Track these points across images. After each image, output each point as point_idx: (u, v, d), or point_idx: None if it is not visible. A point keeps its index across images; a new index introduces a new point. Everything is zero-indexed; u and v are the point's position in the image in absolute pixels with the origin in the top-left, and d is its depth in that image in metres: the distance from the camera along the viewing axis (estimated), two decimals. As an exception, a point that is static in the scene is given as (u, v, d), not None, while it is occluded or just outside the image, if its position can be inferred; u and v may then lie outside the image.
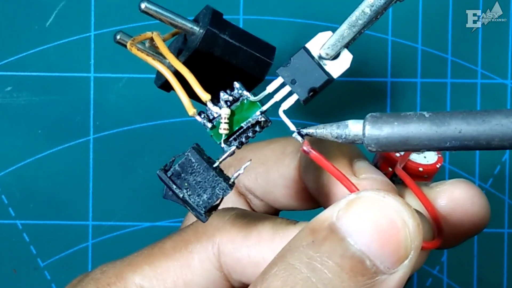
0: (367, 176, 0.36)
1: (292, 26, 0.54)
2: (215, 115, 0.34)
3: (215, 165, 0.33)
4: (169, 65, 0.35)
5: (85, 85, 0.54)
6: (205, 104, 0.34)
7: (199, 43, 0.41)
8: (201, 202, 0.33)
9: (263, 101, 0.34)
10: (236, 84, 0.34)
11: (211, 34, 0.41)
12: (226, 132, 0.34)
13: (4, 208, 0.55)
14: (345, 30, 0.33)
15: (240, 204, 0.43)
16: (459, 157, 0.55)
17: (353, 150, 0.38)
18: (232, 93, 0.34)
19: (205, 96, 0.33)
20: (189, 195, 0.33)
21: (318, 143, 0.34)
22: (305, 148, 0.33)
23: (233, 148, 0.34)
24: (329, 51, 0.33)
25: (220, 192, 0.33)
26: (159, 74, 0.43)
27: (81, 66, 0.54)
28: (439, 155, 0.39)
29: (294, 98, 0.34)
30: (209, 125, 0.34)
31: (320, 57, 0.33)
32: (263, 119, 0.34)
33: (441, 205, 0.37)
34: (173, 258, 0.37)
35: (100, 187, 0.55)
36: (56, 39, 0.54)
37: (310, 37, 0.34)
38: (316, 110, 0.54)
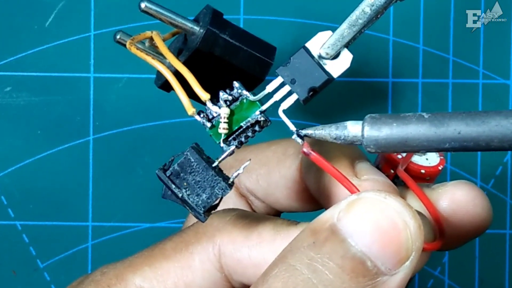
0: (368, 177, 0.36)
1: (292, 26, 0.54)
2: (215, 115, 0.33)
3: (214, 165, 0.33)
4: (169, 65, 0.35)
5: (85, 85, 0.54)
6: (205, 104, 0.34)
7: (199, 43, 0.41)
8: (200, 202, 0.33)
9: (262, 101, 0.34)
10: (236, 84, 0.34)
11: (211, 34, 0.41)
12: (226, 131, 0.33)
13: (3, 209, 0.54)
14: (345, 29, 0.33)
15: (241, 205, 0.43)
16: (461, 158, 0.55)
17: (355, 151, 0.38)
18: (232, 92, 0.34)
19: (204, 95, 0.33)
20: (188, 195, 0.33)
21: (320, 144, 0.34)
22: (305, 150, 0.33)
23: (233, 147, 0.34)
24: (329, 51, 0.33)
25: (219, 191, 0.33)
26: (159, 74, 0.43)
27: (81, 66, 0.54)
28: (441, 157, 0.39)
29: (293, 97, 0.33)
30: (209, 124, 0.33)
31: (320, 57, 0.33)
32: (262, 118, 0.34)
33: (442, 206, 0.37)
34: (174, 259, 0.37)
35: (100, 188, 0.54)
36: (56, 39, 0.54)
37: (310, 37, 0.34)
38: (316, 110, 0.54)
